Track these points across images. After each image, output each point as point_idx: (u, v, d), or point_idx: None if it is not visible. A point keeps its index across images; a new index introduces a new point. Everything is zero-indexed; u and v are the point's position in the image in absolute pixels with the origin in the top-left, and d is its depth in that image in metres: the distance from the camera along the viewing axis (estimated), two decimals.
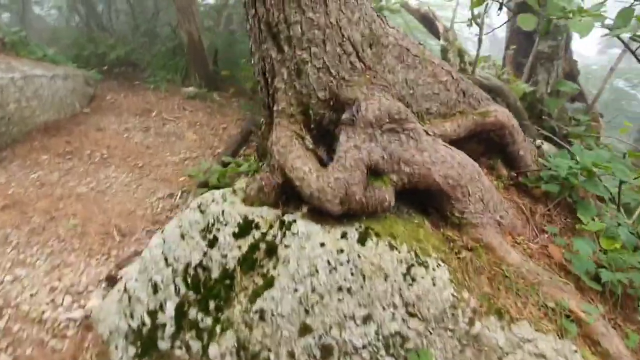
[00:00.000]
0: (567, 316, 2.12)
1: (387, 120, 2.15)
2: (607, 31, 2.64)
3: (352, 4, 2.29)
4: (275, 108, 2.39)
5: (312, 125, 2.36)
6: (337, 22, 2.24)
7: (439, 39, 4.93)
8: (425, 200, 2.34)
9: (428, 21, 4.94)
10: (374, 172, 2.18)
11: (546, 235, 2.54)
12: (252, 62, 2.55)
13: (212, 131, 5.96)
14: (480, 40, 4.05)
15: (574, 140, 3.75)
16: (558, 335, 2.06)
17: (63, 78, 5.61)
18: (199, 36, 7.15)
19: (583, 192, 2.71)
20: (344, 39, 2.26)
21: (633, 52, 2.95)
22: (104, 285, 3.21)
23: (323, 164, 2.29)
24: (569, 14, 2.63)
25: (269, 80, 2.40)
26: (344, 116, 2.18)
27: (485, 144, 2.80)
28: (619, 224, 2.49)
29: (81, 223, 3.80)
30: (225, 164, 4.72)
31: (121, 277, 3.17)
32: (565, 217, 2.66)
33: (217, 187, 4.12)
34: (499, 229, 2.37)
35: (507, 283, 2.22)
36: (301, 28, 2.23)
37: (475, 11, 4.33)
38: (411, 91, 2.51)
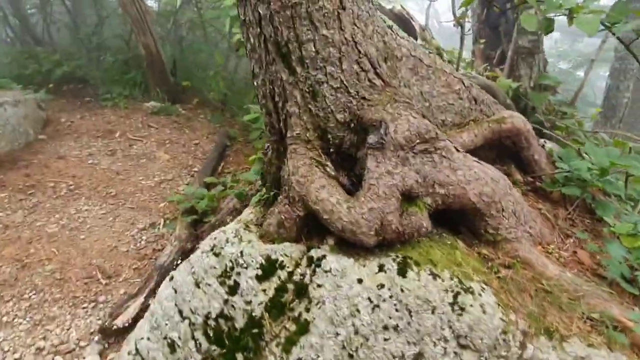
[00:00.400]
0: (614, 327, 2.05)
1: (418, 141, 2.00)
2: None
3: (365, 16, 2.12)
4: (288, 134, 2.19)
5: (331, 150, 2.18)
6: (352, 37, 2.06)
7: (415, 39, 4.85)
8: (457, 218, 2.21)
9: (403, 21, 4.84)
10: (407, 197, 2.02)
11: (572, 240, 2.49)
12: (255, 84, 2.32)
13: (184, 148, 5.62)
14: (462, 39, 3.99)
15: (558, 133, 3.77)
16: (609, 348, 2.00)
17: (12, 104, 5.10)
18: (156, 48, 6.74)
19: (598, 191, 2.68)
20: (361, 55, 2.09)
21: (627, 46, 2.96)
22: (97, 338, 2.89)
23: (348, 191, 2.11)
24: (574, 11, 2.58)
25: (280, 104, 2.18)
26: (371, 140, 2.00)
27: (497, 150, 2.71)
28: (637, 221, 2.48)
29: (59, 268, 3.43)
30: (208, 185, 4.45)
31: (117, 328, 2.87)
32: (585, 219, 2.62)
33: (204, 213, 3.87)
34: (531, 240, 2.29)
35: (550, 298, 2.13)
36: (314, 46, 2.03)
37: (457, 10, 4.27)
38: (427, 104, 2.38)
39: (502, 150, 2.72)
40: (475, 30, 5.64)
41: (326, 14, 2.00)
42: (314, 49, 2.03)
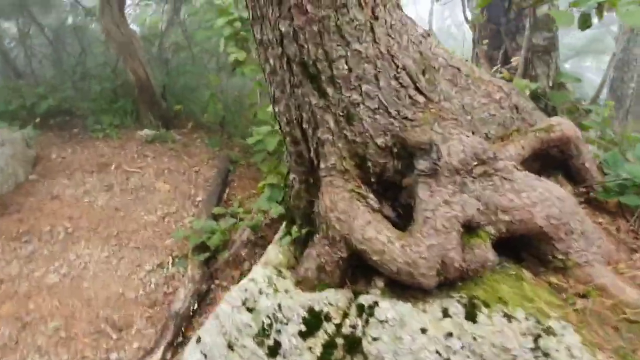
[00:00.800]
0: None
1: (475, 163, 1.74)
2: None
3: (398, 25, 1.87)
4: (322, 165, 1.92)
5: (371, 179, 1.91)
6: (387, 50, 1.81)
7: None
8: (518, 244, 1.95)
9: None
10: (467, 228, 1.76)
11: (638, 255, 2.24)
12: (276, 111, 2.06)
13: (184, 177, 5.32)
14: (476, 41, 3.77)
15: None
16: None
17: None
18: (145, 73, 6.47)
19: None
20: (399, 70, 1.83)
21: None
22: None
23: (394, 224, 1.85)
24: (612, 3, 2.36)
25: (310, 131, 1.92)
26: (421, 165, 1.74)
27: (542, 161, 2.46)
28: None
29: (63, 325, 3.11)
30: (215, 216, 4.15)
31: None
32: None
33: (217, 250, 3.58)
34: (603, 262, 2.03)
35: (635, 329, 1.87)
36: (347, 64, 1.77)
37: (467, 12, 4.06)
38: (469, 117, 2.13)
39: (547, 160, 2.46)
40: (476, 31, 5.45)
41: (358, 27, 1.74)
42: (346, 67, 1.78)
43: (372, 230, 1.75)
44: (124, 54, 6.35)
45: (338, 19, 1.71)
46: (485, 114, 2.19)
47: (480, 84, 2.18)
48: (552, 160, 2.48)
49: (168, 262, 3.81)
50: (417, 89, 1.87)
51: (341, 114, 1.83)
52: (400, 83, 1.84)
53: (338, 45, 1.75)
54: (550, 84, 4.04)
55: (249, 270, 3.43)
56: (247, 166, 5.49)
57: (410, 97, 1.85)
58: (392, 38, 1.82)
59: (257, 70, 4.79)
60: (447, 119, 1.83)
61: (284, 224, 2.44)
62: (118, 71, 7.67)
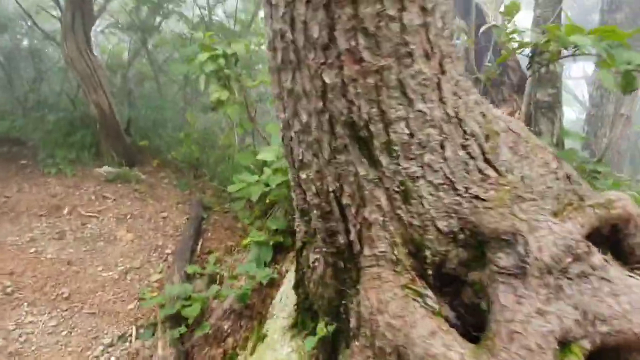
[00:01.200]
0: None
1: (569, 260, 1.38)
2: None
3: (463, 81, 1.53)
4: (366, 252, 1.50)
5: (428, 272, 1.50)
6: (455, 112, 1.45)
7: None
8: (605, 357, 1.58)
9: None
10: (560, 344, 1.37)
11: None
12: (300, 177, 1.63)
13: (150, 224, 4.72)
14: (486, 94, 3.55)
15: None
16: None
17: None
18: (110, 106, 5.90)
19: None
20: (467, 136, 1.48)
21: None
22: None
23: (452, 325, 1.44)
24: None
25: (352, 209, 1.50)
26: (503, 262, 1.36)
27: (591, 238, 2.16)
28: None
29: None
30: (189, 275, 3.60)
31: None
32: None
33: (199, 322, 3.03)
34: None
35: None
36: (408, 127, 1.39)
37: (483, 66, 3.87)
38: (529, 191, 1.79)
39: (595, 238, 2.16)
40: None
41: (423, 82, 1.38)
42: (407, 131, 1.40)
43: (438, 343, 1.34)
44: (86, 83, 5.77)
45: (400, 71, 1.35)
46: (543, 186, 1.86)
47: (538, 152, 1.86)
48: (600, 238, 2.19)
49: (131, 334, 3.20)
50: (486, 160, 1.51)
51: (396, 189, 1.43)
52: (469, 153, 1.48)
53: (399, 103, 1.37)
54: (555, 142, 3.87)
55: (234, 349, 2.90)
56: (223, 213, 4.97)
57: (480, 170, 1.49)
58: (459, 97, 1.47)
59: (240, 111, 4.39)
60: (527, 199, 1.48)
61: (296, 311, 1.97)
62: (77, 101, 7.05)
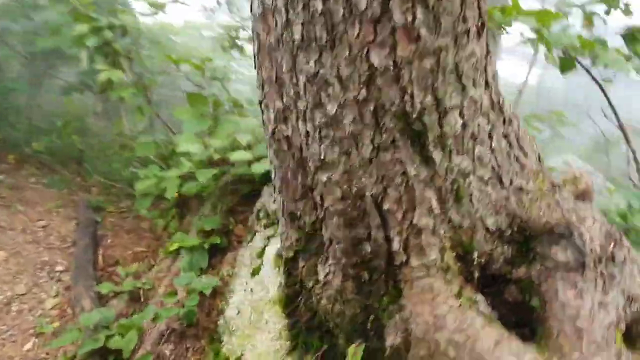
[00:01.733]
0: None
1: (612, 246, 1.37)
2: None
3: (494, 62, 1.39)
4: (414, 262, 1.30)
5: (474, 274, 1.37)
6: (497, 97, 1.32)
7: None
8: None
9: None
10: None
11: None
12: (322, 180, 1.35)
13: (25, 236, 3.84)
14: None
15: None
16: None
17: None
18: None
19: None
20: (505, 124, 1.36)
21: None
22: None
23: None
24: None
25: (398, 215, 1.28)
26: (563, 256, 1.28)
27: None
28: None
29: None
30: (101, 296, 3.00)
31: None
32: None
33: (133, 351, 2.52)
34: None
35: None
36: (462, 116, 1.21)
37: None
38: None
39: None
40: None
41: (475, 64, 1.21)
42: (460, 121, 1.22)
43: (506, 353, 1.22)
44: None
45: (457, 52, 1.15)
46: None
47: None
48: None
49: None
50: (520, 147, 1.42)
51: (448, 188, 1.26)
52: (510, 142, 1.36)
53: (454, 90, 1.18)
54: None
55: None
56: (119, 214, 4.28)
57: (516, 159, 1.39)
58: (495, 80, 1.34)
59: (137, 94, 3.76)
60: (558, 185, 1.42)
61: (291, 332, 1.70)
62: None
